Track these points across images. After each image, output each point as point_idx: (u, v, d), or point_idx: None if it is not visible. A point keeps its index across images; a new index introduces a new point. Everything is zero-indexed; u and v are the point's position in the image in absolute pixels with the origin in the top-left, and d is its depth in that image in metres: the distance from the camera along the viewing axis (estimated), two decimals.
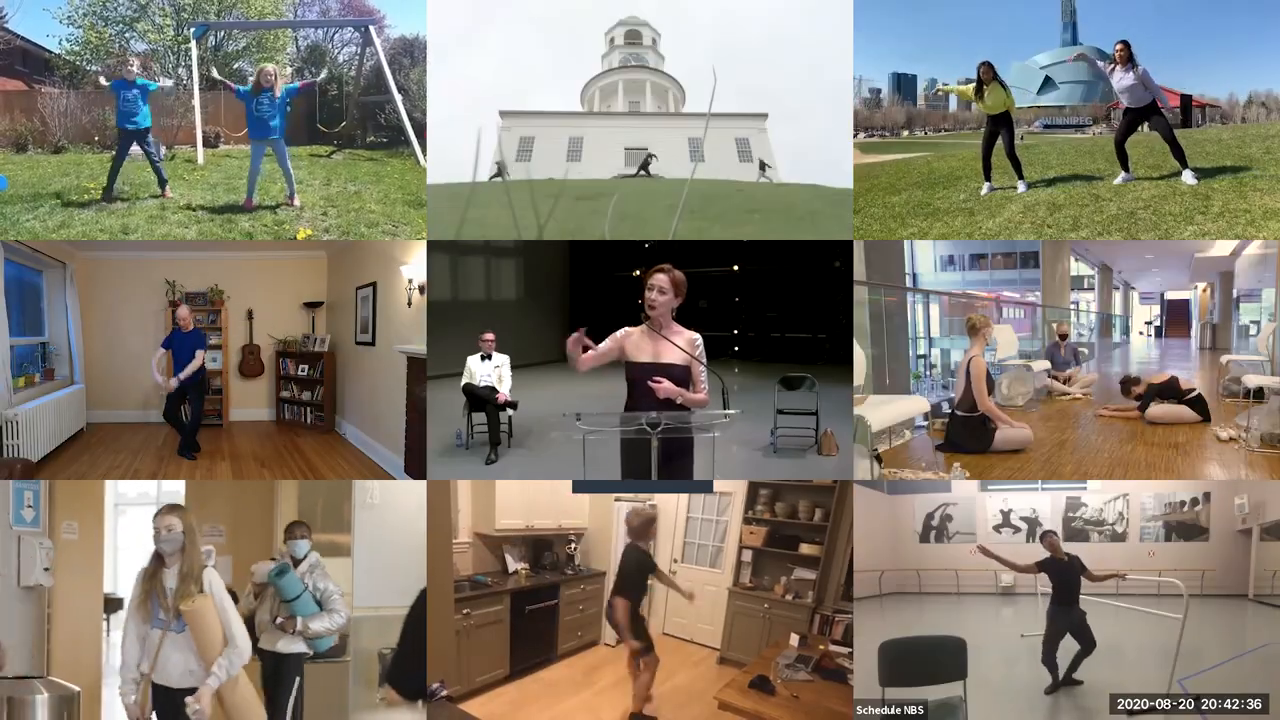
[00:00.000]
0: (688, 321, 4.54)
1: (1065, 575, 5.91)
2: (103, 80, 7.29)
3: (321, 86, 9.15)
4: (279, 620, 5.18)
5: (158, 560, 4.29)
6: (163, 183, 7.27)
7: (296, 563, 5.28)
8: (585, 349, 4.42)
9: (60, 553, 5.69)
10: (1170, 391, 7.92)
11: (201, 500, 6.35)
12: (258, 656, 5.25)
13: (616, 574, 6.03)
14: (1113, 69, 7.23)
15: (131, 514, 6.94)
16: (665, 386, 4.28)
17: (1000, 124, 7.56)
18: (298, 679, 5.31)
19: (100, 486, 6.28)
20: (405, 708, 5.58)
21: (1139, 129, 7.41)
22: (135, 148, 7.32)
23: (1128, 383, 8.33)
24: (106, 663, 6.25)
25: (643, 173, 12.87)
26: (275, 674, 5.26)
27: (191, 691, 4.20)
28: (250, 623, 5.28)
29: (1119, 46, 7.15)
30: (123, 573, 6.98)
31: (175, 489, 6.67)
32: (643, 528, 5.94)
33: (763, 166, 12.43)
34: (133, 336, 9.98)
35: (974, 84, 7.52)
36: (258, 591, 5.32)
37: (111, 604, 7.87)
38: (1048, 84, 11.56)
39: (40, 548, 5.58)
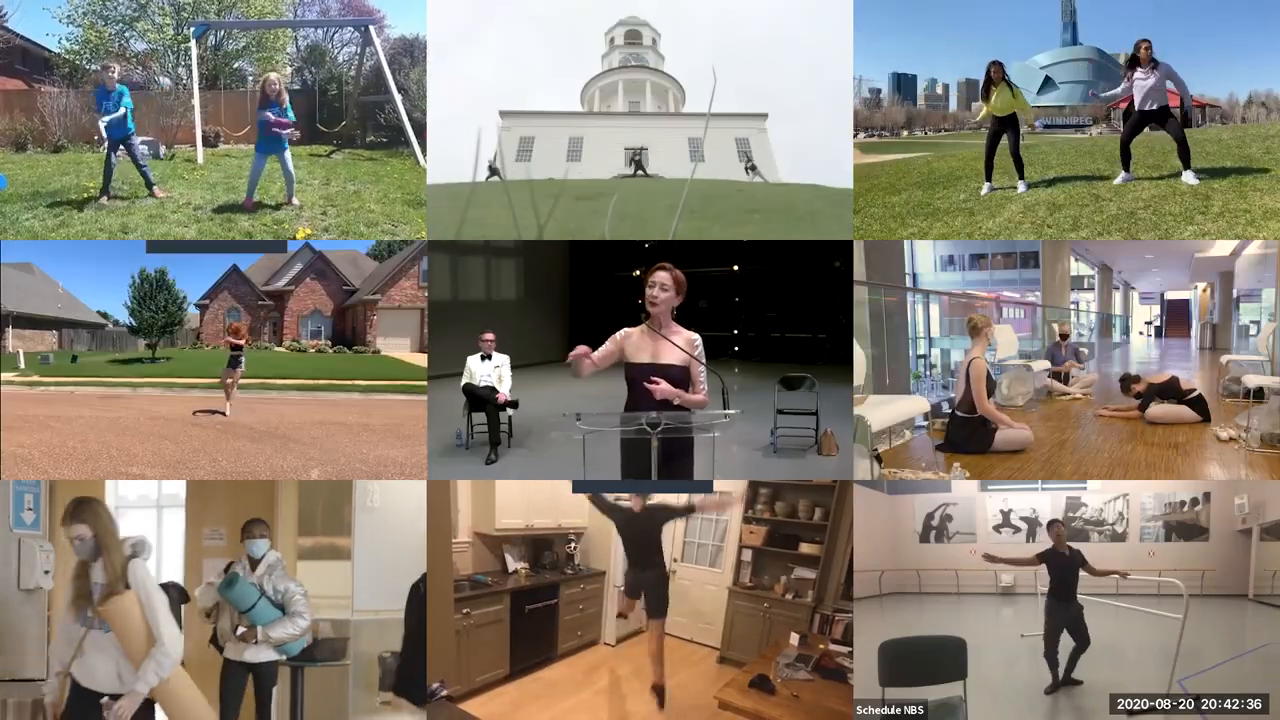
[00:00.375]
0: (687, 321, 4.54)
1: (1064, 569, 5.92)
2: (108, 94, 7.22)
3: (322, 87, 9.17)
4: (240, 631, 5.00)
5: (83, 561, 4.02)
6: (149, 185, 7.26)
7: (255, 563, 5.09)
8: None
9: (61, 555, 5.68)
10: (1170, 391, 7.91)
11: (202, 500, 6.35)
12: (225, 665, 5.09)
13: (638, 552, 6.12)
14: (1132, 70, 7.15)
15: (132, 516, 6.93)
16: (662, 388, 4.27)
17: (1006, 125, 7.54)
18: (274, 688, 5.15)
19: (100, 487, 6.28)
20: (411, 713, 5.55)
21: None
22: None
23: (1128, 380, 8.32)
24: None
25: (639, 172, 12.86)
26: (243, 684, 5.07)
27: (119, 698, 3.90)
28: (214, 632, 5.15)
29: (1143, 45, 7.09)
30: None
31: (176, 490, 6.66)
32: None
33: (751, 169, 12.42)
34: None
35: (982, 84, 7.50)
36: (208, 610, 5.14)
37: None
38: (1048, 84, 11.55)
39: (40, 550, 5.57)
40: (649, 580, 6.18)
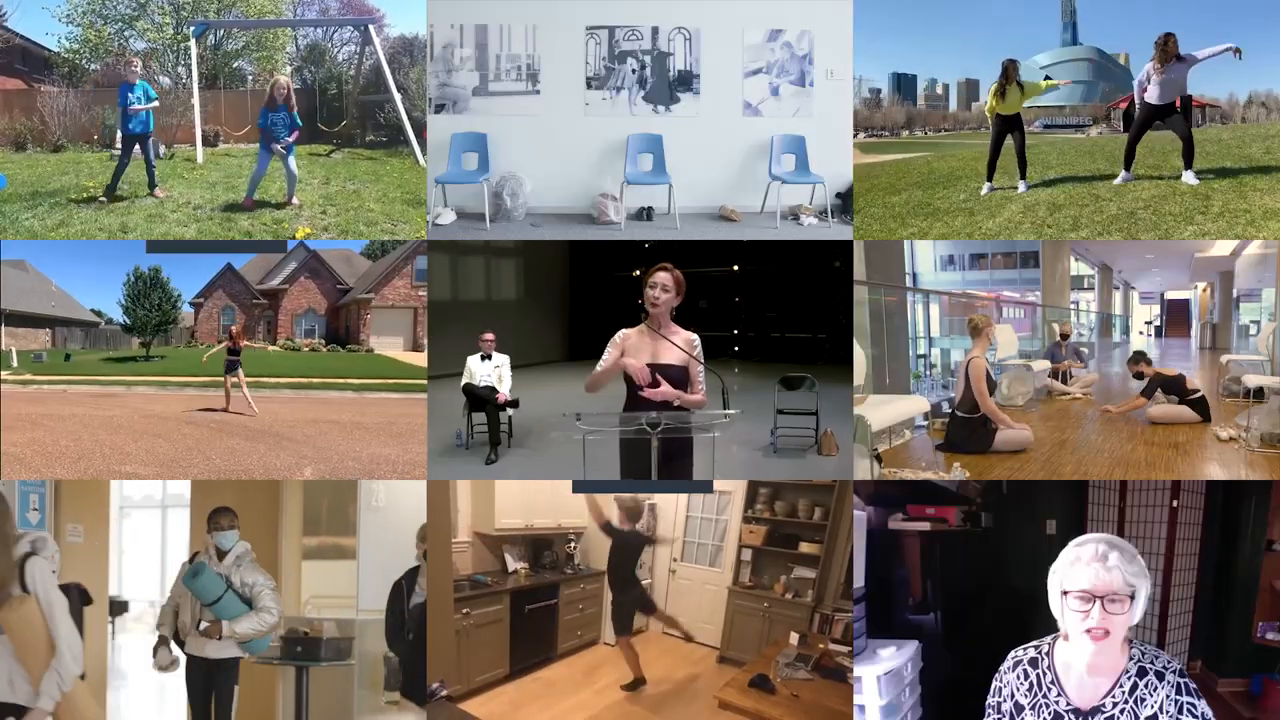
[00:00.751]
0: (687, 321, 4.52)
1: None
2: (131, 87, 7.17)
3: (321, 86, 9.17)
4: (203, 625, 4.78)
5: None
6: (152, 184, 7.26)
7: (222, 555, 4.87)
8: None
9: (65, 555, 5.64)
10: (1175, 388, 7.90)
11: (207, 500, 6.33)
12: (187, 662, 4.94)
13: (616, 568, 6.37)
14: (1160, 65, 7.09)
15: (136, 516, 6.94)
16: (660, 390, 4.25)
17: (1012, 124, 7.54)
18: (235, 686, 4.96)
19: (105, 487, 6.27)
20: (412, 713, 5.54)
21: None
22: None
23: (1138, 357, 8.31)
24: (111, 666, 6.24)
25: None
26: (209, 682, 4.90)
27: (12, 710, 3.47)
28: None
29: (1170, 40, 7.03)
30: (128, 576, 6.98)
31: (181, 490, 6.66)
32: (636, 508, 6.24)
33: None
34: None
35: (998, 83, 7.49)
36: (163, 628, 4.99)
37: (116, 607, 7.88)
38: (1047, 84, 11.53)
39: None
40: (635, 597, 6.78)
